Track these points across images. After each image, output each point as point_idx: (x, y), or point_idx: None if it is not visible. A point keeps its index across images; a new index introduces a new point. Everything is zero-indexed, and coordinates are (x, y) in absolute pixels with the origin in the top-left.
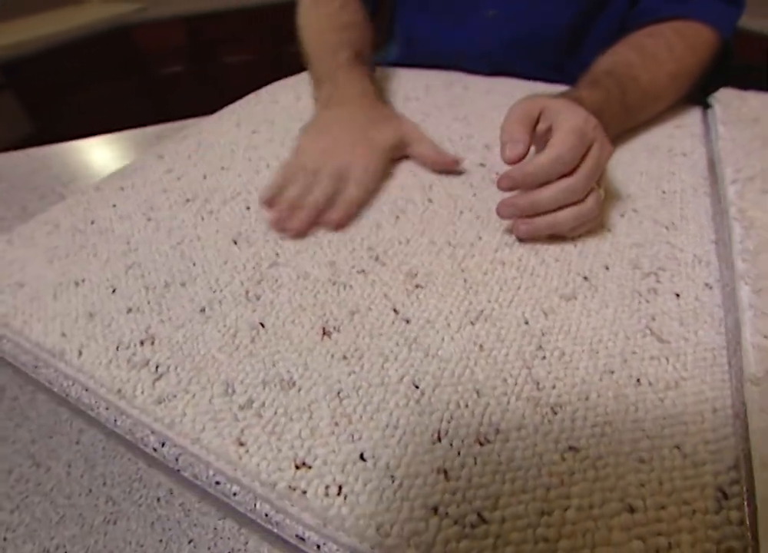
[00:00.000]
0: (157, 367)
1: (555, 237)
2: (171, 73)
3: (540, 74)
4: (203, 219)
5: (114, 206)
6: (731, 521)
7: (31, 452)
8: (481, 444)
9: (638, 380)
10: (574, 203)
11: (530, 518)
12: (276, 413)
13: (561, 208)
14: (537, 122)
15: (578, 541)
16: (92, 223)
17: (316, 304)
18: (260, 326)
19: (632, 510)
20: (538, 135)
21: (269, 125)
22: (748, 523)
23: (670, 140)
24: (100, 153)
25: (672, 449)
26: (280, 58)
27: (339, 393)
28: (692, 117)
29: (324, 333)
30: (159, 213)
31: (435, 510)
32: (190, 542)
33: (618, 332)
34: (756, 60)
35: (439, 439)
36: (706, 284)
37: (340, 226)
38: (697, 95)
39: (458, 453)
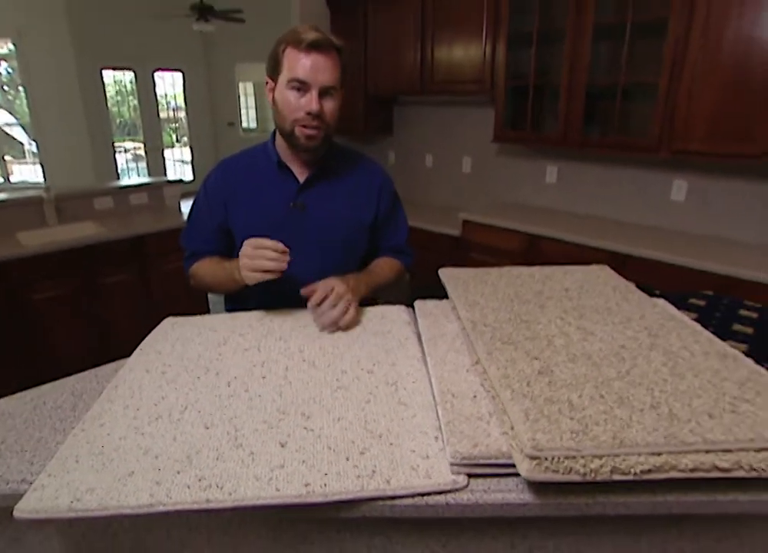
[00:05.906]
0: (216, 483)
1: (355, 373)
2: None
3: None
4: (177, 423)
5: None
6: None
7: None
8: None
9: (404, 418)
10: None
11: None
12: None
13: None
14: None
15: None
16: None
17: (273, 430)
18: (251, 456)
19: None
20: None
21: (168, 367)
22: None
23: (399, 327)
24: None
25: (432, 429)
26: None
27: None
28: (409, 315)
29: (282, 445)
30: (150, 428)
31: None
32: None
33: (391, 406)
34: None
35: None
36: (413, 381)
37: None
38: (409, 304)
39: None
